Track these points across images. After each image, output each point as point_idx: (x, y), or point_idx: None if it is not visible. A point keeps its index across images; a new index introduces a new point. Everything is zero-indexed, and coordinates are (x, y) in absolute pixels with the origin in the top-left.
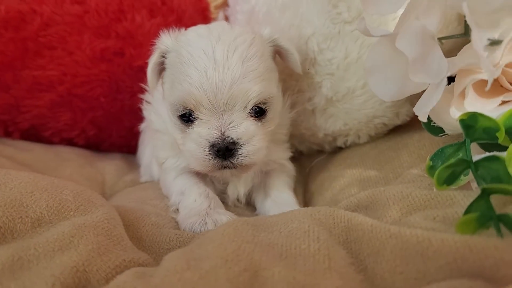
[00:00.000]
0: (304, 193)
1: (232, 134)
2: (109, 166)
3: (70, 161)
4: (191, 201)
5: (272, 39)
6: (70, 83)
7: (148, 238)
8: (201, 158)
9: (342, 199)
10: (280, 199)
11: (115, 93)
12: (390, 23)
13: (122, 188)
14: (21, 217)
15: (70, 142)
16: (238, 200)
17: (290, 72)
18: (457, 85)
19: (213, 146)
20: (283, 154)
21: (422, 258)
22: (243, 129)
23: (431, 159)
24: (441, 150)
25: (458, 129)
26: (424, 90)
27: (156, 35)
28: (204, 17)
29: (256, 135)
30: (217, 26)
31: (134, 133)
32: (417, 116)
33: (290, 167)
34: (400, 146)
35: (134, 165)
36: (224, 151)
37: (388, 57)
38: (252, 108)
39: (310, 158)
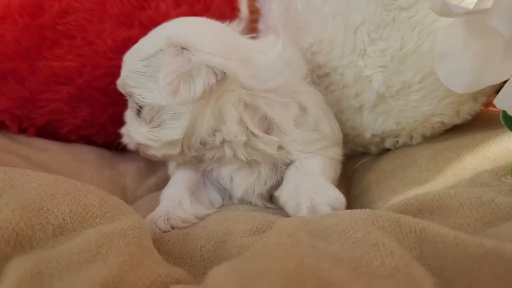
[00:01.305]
0: (346, 196)
1: None
2: (131, 169)
3: (89, 162)
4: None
5: None
6: (89, 75)
7: (176, 249)
8: None
9: (392, 202)
10: (304, 167)
11: None
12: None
13: (146, 193)
14: (41, 223)
15: (88, 140)
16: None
17: (335, 65)
18: None
19: None
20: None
21: None
22: None
23: None
24: None
25: None
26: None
27: None
28: (232, 8)
29: None
30: None
31: None
32: (478, 114)
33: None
34: (460, 147)
35: (157, 167)
36: None
37: (464, 41)
38: None
39: (352, 160)
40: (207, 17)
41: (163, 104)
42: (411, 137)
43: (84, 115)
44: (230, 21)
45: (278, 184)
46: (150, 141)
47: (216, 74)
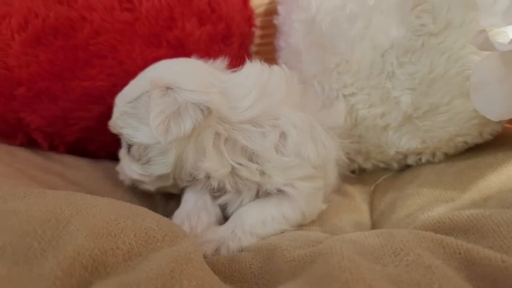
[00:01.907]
0: (371, 211)
1: None
2: None
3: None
4: (182, 202)
5: None
6: None
7: (226, 269)
8: None
9: (421, 219)
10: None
11: None
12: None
13: (174, 209)
14: (112, 248)
15: (115, 157)
16: None
17: (362, 86)
18: None
19: None
20: (288, 176)
21: None
22: None
23: None
24: None
25: None
26: None
27: (205, 44)
28: (250, 25)
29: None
30: None
31: None
32: (499, 134)
33: (298, 196)
34: (483, 166)
35: None
36: None
37: (499, 73)
38: None
39: (373, 175)
40: (229, 36)
41: (149, 142)
42: (433, 155)
43: (113, 133)
44: (248, 38)
45: None
46: (142, 177)
47: (202, 110)
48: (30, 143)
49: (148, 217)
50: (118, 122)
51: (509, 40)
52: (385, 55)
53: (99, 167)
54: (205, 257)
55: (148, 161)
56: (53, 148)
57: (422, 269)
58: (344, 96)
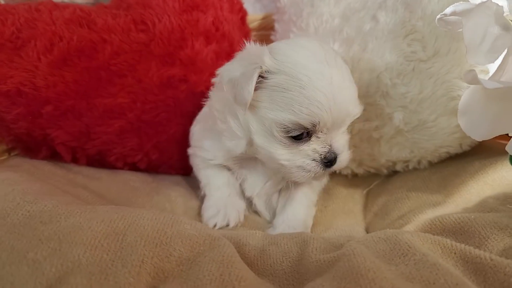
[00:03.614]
0: (365, 213)
1: (339, 147)
2: (174, 193)
3: (138, 189)
4: (214, 190)
5: None
6: (139, 110)
7: (258, 261)
8: (312, 169)
9: (413, 220)
10: (290, 220)
11: (179, 118)
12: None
13: (193, 216)
14: (166, 256)
15: (132, 166)
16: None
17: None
18: None
19: (324, 158)
20: None
21: None
22: (343, 141)
23: None
24: None
25: None
26: None
27: (212, 61)
28: (248, 41)
29: (346, 145)
30: (313, 45)
31: None
32: (476, 145)
33: (316, 182)
34: (462, 173)
35: (194, 188)
36: (331, 161)
37: (482, 102)
38: None
39: (365, 179)
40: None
41: None
42: (419, 163)
43: (131, 145)
44: None
45: None
46: None
47: None
48: (52, 156)
49: (186, 224)
50: None
51: (489, 76)
52: (380, 76)
53: (117, 179)
54: None
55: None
56: (74, 160)
57: (429, 266)
58: None
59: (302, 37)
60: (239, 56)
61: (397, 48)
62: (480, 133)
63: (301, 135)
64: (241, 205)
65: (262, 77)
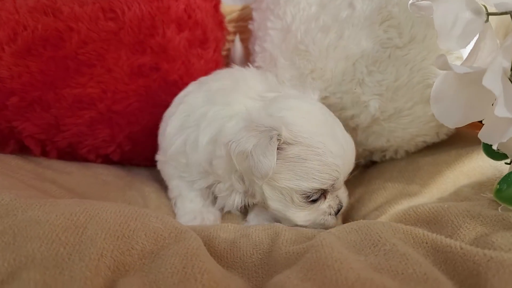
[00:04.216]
0: None
1: (344, 197)
2: (148, 188)
3: (110, 184)
4: (188, 202)
5: None
6: (110, 100)
7: (228, 254)
8: (331, 224)
9: (389, 211)
10: (264, 213)
11: (151, 108)
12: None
13: (166, 212)
14: (128, 249)
15: (105, 158)
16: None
17: (334, 91)
18: None
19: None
20: None
21: None
22: (344, 191)
23: (498, 183)
24: (508, 175)
25: None
26: None
27: (185, 49)
28: (221, 29)
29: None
30: (315, 107)
31: None
32: (453, 134)
33: None
34: (439, 162)
35: None
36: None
37: (455, 89)
38: None
39: None
40: (205, 40)
41: None
42: (396, 152)
43: (103, 136)
44: (221, 42)
45: None
46: None
47: None
48: (21, 150)
49: (152, 217)
50: None
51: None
52: (356, 64)
53: (88, 173)
54: None
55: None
56: (44, 153)
57: (398, 256)
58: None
59: (302, 99)
60: (243, 124)
61: (373, 35)
62: (453, 121)
63: (318, 197)
64: (217, 213)
65: (278, 148)
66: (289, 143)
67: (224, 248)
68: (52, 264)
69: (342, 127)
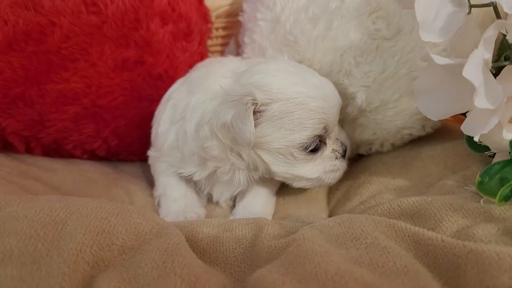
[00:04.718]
0: (328, 199)
1: (343, 137)
2: (134, 186)
3: (95, 181)
4: (171, 202)
5: None
6: (94, 95)
7: (210, 249)
8: (341, 167)
9: (374, 205)
10: (249, 206)
11: (137, 102)
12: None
13: (152, 210)
14: (108, 244)
15: (91, 154)
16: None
17: None
18: (506, 111)
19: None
20: None
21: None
22: (342, 131)
23: (480, 176)
24: (490, 167)
25: (506, 148)
26: None
27: (169, 42)
28: (206, 21)
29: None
30: (282, 64)
31: None
32: (438, 128)
33: None
34: (424, 157)
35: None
36: (345, 151)
37: (438, 81)
38: None
39: None
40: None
41: None
42: (382, 146)
43: (88, 131)
44: (205, 35)
45: None
46: None
47: None
48: (5, 147)
49: (134, 213)
50: None
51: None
52: (343, 55)
53: (74, 170)
54: None
55: None
56: (29, 150)
57: (379, 249)
58: None
59: (269, 61)
60: (221, 100)
61: (362, 26)
62: (436, 113)
63: (317, 145)
64: (201, 212)
65: (256, 112)
66: (267, 103)
67: (207, 243)
68: (29, 260)
69: (317, 74)
